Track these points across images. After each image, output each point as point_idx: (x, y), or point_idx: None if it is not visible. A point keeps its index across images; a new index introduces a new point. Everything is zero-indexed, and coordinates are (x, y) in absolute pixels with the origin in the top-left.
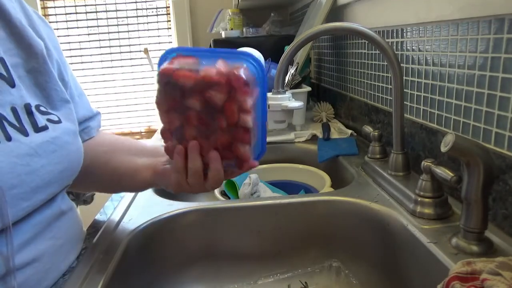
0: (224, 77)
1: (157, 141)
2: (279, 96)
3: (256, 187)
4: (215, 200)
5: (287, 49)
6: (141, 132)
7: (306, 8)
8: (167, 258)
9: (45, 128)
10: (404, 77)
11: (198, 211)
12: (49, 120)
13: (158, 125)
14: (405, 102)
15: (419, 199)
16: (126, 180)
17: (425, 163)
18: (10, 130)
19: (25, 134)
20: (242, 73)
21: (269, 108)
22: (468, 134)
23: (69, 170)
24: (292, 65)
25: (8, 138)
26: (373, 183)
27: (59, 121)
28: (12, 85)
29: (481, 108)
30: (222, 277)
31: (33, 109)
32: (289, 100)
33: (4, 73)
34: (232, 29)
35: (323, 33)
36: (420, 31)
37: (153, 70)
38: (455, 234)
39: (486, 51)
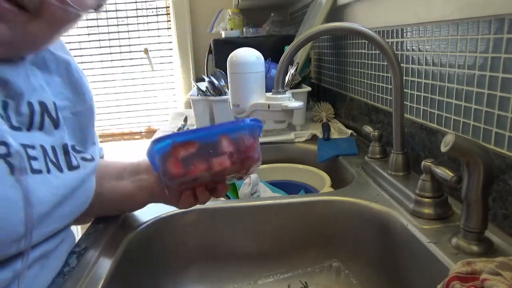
0: (239, 162)
1: None
2: (279, 96)
3: (256, 187)
4: (215, 200)
5: (287, 49)
6: (141, 132)
7: (306, 8)
8: (167, 258)
9: (77, 167)
10: (404, 77)
11: (198, 211)
12: (83, 158)
13: (158, 125)
14: (405, 102)
15: (419, 199)
16: (122, 205)
17: (425, 163)
18: (50, 164)
19: (61, 170)
20: (250, 146)
21: (269, 108)
22: (468, 134)
23: (85, 204)
24: (292, 65)
25: (48, 171)
26: (373, 183)
27: (91, 159)
28: (57, 126)
29: (481, 108)
30: (222, 277)
31: (70, 149)
32: (289, 100)
33: (54, 115)
34: (232, 29)
35: (323, 33)
36: (420, 31)
37: (153, 70)
38: (455, 234)
39: (486, 51)
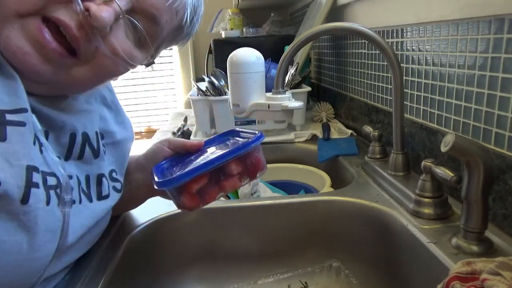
0: (248, 177)
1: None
2: (279, 96)
3: (256, 187)
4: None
5: (287, 49)
6: (141, 132)
7: (306, 8)
8: (167, 258)
9: (106, 196)
10: (404, 77)
11: (198, 211)
12: (114, 188)
13: (158, 125)
14: (405, 102)
15: (419, 199)
16: (124, 205)
17: (425, 163)
18: (82, 194)
19: (90, 200)
20: (256, 161)
21: (269, 108)
22: (468, 134)
23: (103, 230)
24: (292, 65)
25: (80, 201)
26: (373, 183)
27: (120, 190)
28: (97, 155)
29: (481, 108)
30: (222, 277)
31: (103, 179)
32: (289, 100)
33: (95, 145)
34: (232, 29)
35: (323, 33)
36: (420, 31)
37: (153, 70)
38: (455, 234)
39: (486, 51)
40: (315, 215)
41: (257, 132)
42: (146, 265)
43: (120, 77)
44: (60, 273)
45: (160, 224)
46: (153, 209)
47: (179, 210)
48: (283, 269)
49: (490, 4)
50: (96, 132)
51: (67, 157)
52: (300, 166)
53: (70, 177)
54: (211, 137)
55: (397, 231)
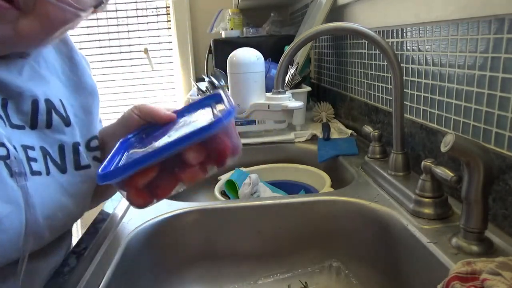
0: (214, 164)
1: None
2: (279, 96)
3: (256, 187)
4: (215, 200)
5: (287, 49)
6: None
7: (306, 8)
8: (167, 258)
9: (87, 167)
10: (404, 77)
11: (198, 211)
12: (95, 158)
13: None
14: (405, 102)
15: (419, 199)
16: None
17: (425, 163)
18: (50, 165)
19: (63, 171)
20: (223, 147)
21: (269, 108)
22: (468, 134)
23: (85, 207)
24: (292, 65)
25: (48, 173)
26: (373, 183)
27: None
28: (67, 124)
29: (481, 108)
30: (222, 277)
31: (81, 148)
32: (289, 100)
33: (63, 112)
34: (232, 29)
35: (323, 33)
36: (420, 31)
37: (153, 70)
38: (455, 234)
39: (486, 51)
40: (315, 215)
41: (227, 106)
42: (146, 265)
43: (120, 77)
44: (58, 249)
45: (160, 224)
46: (153, 209)
47: (179, 210)
48: (283, 269)
49: (490, 4)
50: (61, 100)
51: (33, 126)
52: (300, 166)
53: (33, 148)
54: (195, 100)
55: (397, 231)
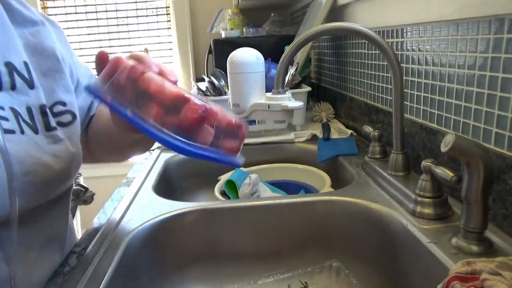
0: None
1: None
2: (279, 96)
3: (256, 187)
4: (215, 200)
5: (287, 49)
6: None
7: (306, 8)
8: (167, 258)
9: (54, 129)
10: (404, 77)
11: (198, 211)
12: (59, 122)
13: None
14: (405, 102)
15: (419, 199)
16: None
17: (425, 163)
18: (23, 125)
19: (36, 132)
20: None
21: (269, 108)
22: (468, 134)
23: (69, 170)
24: (292, 65)
25: (22, 131)
26: (373, 183)
27: (70, 122)
28: (32, 86)
29: (481, 108)
30: (222, 277)
31: (48, 110)
32: (289, 100)
33: (26, 75)
34: (232, 29)
35: (323, 33)
36: (420, 31)
37: None
38: (455, 234)
39: (486, 51)
40: (315, 215)
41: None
42: (146, 265)
43: None
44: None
45: (160, 224)
46: (153, 210)
47: (179, 210)
48: (283, 269)
49: (490, 4)
50: (25, 62)
51: None
52: (300, 166)
53: (2, 108)
54: None
55: (397, 231)
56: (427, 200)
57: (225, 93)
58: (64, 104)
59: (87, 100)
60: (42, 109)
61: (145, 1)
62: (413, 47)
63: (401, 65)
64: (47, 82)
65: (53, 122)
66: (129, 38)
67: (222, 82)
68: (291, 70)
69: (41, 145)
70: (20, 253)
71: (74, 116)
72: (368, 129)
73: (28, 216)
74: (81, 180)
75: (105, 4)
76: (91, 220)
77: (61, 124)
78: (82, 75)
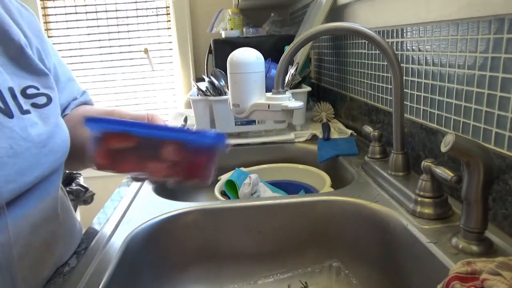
0: (179, 175)
1: None
2: (279, 96)
3: (256, 187)
4: (215, 200)
5: (287, 49)
6: None
7: (306, 8)
8: (167, 258)
9: (28, 112)
10: (404, 77)
11: (198, 211)
12: (33, 104)
13: None
14: (405, 102)
15: (419, 199)
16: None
17: (425, 163)
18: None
19: (10, 116)
20: (199, 164)
21: (269, 108)
22: (468, 134)
23: (53, 153)
24: (292, 65)
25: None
26: (373, 183)
27: (45, 104)
28: None
29: (481, 108)
30: (222, 277)
31: (17, 93)
32: (289, 100)
33: None
34: (232, 29)
35: (323, 33)
36: (420, 31)
37: (153, 70)
38: (455, 234)
39: (486, 51)
40: (315, 215)
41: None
42: (146, 265)
43: (120, 77)
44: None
45: (160, 224)
46: (153, 210)
47: (179, 210)
48: (283, 269)
49: (490, 4)
50: None
51: None
52: (300, 166)
53: None
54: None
55: (397, 231)
56: (427, 200)
57: (225, 93)
58: (37, 88)
59: (67, 99)
60: (12, 92)
61: (145, 1)
62: (413, 47)
63: (401, 65)
64: (13, 65)
65: (26, 104)
66: (129, 38)
67: (222, 82)
68: (291, 70)
69: (15, 130)
70: (14, 238)
71: (49, 98)
72: (368, 129)
73: (18, 200)
74: (81, 180)
75: (105, 4)
76: (91, 220)
77: (35, 106)
78: (63, 73)
